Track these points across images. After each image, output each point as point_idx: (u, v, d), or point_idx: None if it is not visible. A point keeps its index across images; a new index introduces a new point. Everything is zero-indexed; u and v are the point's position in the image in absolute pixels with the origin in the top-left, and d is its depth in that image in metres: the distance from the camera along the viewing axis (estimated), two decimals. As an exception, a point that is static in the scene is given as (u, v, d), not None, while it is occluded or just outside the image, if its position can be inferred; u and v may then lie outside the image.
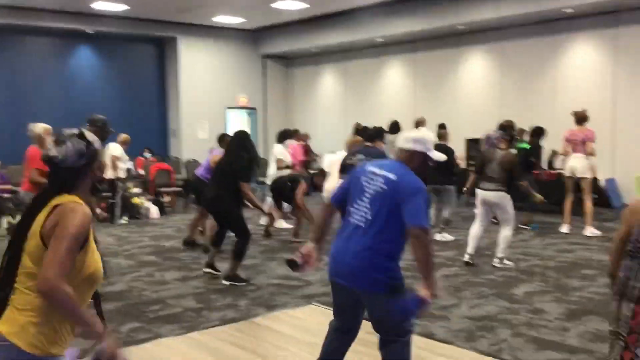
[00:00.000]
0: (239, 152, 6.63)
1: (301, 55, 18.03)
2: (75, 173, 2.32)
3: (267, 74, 18.40)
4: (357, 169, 3.46)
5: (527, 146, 9.96)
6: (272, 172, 9.84)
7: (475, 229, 7.27)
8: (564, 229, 9.33)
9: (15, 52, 14.99)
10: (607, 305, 5.47)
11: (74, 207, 2.24)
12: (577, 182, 9.34)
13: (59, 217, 2.20)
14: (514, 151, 8.55)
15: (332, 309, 3.55)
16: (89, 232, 2.25)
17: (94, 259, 2.28)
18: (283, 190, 9.09)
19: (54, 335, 2.21)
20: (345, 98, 17.19)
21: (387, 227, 3.17)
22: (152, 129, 16.83)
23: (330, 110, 17.51)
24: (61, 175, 2.31)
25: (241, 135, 6.88)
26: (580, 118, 9.32)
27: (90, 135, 2.37)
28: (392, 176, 3.22)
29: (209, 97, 17.10)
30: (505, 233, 7.10)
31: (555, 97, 12.72)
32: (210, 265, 6.88)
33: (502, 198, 7.02)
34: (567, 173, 9.40)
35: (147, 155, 14.40)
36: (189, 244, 8.45)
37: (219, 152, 8.03)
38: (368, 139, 7.48)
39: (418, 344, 4.65)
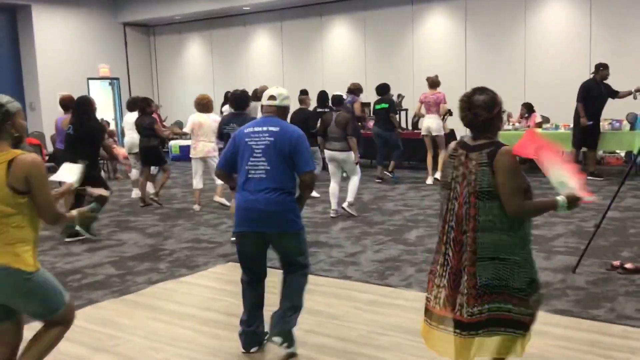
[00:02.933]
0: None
1: (164, 23, 17.76)
2: None
3: (129, 42, 17.91)
4: (236, 135, 3.89)
5: (385, 105, 10.84)
6: (134, 139, 9.57)
7: (333, 187, 8.09)
8: (429, 180, 10.41)
9: None
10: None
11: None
12: (433, 139, 10.41)
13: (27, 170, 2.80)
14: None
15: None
16: None
17: None
18: (155, 155, 9.22)
19: (35, 254, 2.93)
20: (212, 66, 17.26)
21: (284, 172, 3.75)
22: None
23: (197, 79, 17.50)
24: None
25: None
26: (433, 83, 10.38)
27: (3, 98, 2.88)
28: (273, 128, 3.79)
29: (68, 68, 16.37)
30: (354, 182, 8.03)
31: (414, 63, 13.81)
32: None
33: (346, 155, 7.88)
34: (424, 132, 10.45)
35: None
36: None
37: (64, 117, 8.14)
38: (238, 107, 7.24)
39: (339, 286, 5.28)
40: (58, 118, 8.63)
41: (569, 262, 5.55)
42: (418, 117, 11.10)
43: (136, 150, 9.45)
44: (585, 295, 4.76)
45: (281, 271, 3.97)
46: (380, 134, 10.67)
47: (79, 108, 7.22)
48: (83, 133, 7.06)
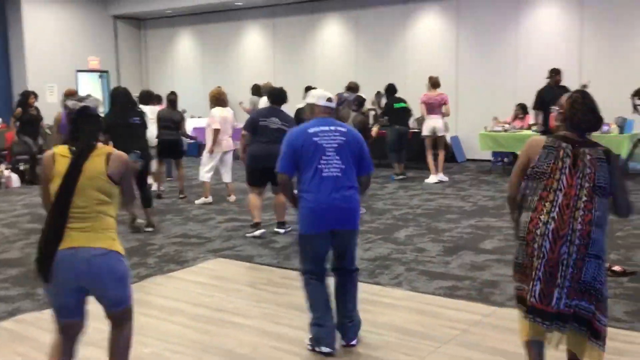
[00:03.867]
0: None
1: (155, 17, 17.66)
2: None
3: (119, 35, 17.80)
4: (298, 136, 3.84)
5: (404, 104, 10.94)
6: (152, 132, 9.65)
7: None
8: (433, 179, 10.42)
9: None
10: (474, 242, 6.46)
11: None
12: (435, 139, 10.47)
13: None
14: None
15: (250, 262, 3.96)
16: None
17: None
18: (178, 148, 9.46)
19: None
20: (203, 61, 17.19)
21: (353, 171, 3.84)
22: (-6, 94, 15.68)
23: (187, 74, 17.41)
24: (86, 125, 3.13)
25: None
26: (435, 83, 10.42)
27: None
28: (342, 129, 3.86)
29: (58, 60, 16.24)
30: None
31: (406, 62, 13.82)
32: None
33: None
34: (427, 132, 10.47)
35: (-2, 121, 13.52)
36: None
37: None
38: (279, 102, 7.11)
39: (329, 284, 5.26)
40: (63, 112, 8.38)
41: (557, 263, 5.57)
42: (422, 118, 11.01)
43: (153, 143, 9.54)
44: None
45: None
46: (403, 132, 10.76)
47: (127, 99, 7.29)
48: (141, 122, 7.20)
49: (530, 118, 11.24)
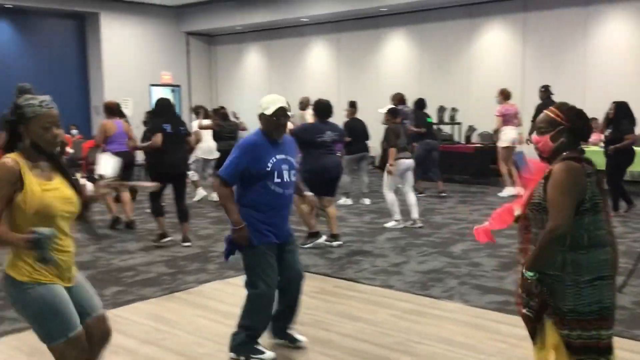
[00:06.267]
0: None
1: (225, 33, 18.24)
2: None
3: (191, 51, 18.48)
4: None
5: (431, 119, 11.16)
6: (211, 145, 10.12)
7: (394, 197, 8.14)
8: (507, 192, 10.22)
9: None
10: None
11: None
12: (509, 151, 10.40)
13: None
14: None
15: (306, 271, 4.10)
16: (13, 179, 2.65)
17: (37, 198, 2.68)
18: None
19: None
20: (269, 76, 17.60)
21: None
22: (74, 106, 16.54)
23: (254, 88, 17.85)
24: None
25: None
26: (508, 95, 10.43)
27: (22, 100, 2.78)
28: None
29: (133, 74, 17.02)
30: (413, 194, 8.25)
31: (470, 76, 13.75)
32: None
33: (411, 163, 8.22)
34: (507, 143, 10.37)
35: (74, 132, 14.29)
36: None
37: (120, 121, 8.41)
38: (327, 115, 7.26)
39: (381, 294, 5.37)
40: (117, 122, 8.74)
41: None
42: (498, 130, 10.84)
43: (213, 156, 9.94)
44: (629, 315, 4.70)
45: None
46: (433, 147, 10.75)
47: (173, 109, 7.64)
48: (181, 131, 7.41)
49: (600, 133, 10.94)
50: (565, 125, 2.74)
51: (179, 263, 6.46)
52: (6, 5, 14.86)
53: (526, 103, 12.94)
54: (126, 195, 8.31)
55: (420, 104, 10.94)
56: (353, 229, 8.06)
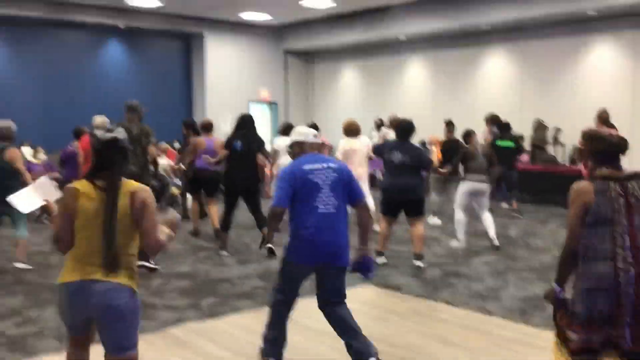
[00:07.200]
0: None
1: (322, 52, 18.49)
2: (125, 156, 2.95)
3: (289, 69, 18.87)
4: (296, 171, 3.97)
5: (512, 144, 10.75)
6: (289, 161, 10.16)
7: (464, 218, 7.96)
8: None
9: (51, 45, 15.41)
10: None
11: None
12: None
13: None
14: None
15: (399, 292, 4.01)
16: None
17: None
18: None
19: None
20: (365, 94, 17.65)
21: (345, 207, 4.04)
22: (178, 121, 17.26)
23: (350, 106, 17.94)
24: (116, 158, 2.91)
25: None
26: (607, 119, 9.68)
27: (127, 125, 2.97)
28: (333, 165, 4.01)
29: (233, 91, 17.56)
30: (490, 215, 8.01)
31: (575, 96, 13.14)
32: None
33: (487, 186, 7.98)
34: None
35: (177, 145, 14.88)
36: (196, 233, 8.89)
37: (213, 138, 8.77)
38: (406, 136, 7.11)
39: (478, 320, 5.19)
40: (207, 139, 9.06)
41: None
42: None
43: None
44: None
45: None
46: (498, 174, 10.04)
47: (246, 125, 7.68)
48: (254, 147, 7.59)
49: None
50: (586, 150, 3.03)
51: (273, 277, 6.52)
52: (120, 27, 15.76)
53: (636, 124, 12.26)
54: (195, 206, 9.10)
55: (499, 124, 10.68)
56: (446, 250, 7.88)
